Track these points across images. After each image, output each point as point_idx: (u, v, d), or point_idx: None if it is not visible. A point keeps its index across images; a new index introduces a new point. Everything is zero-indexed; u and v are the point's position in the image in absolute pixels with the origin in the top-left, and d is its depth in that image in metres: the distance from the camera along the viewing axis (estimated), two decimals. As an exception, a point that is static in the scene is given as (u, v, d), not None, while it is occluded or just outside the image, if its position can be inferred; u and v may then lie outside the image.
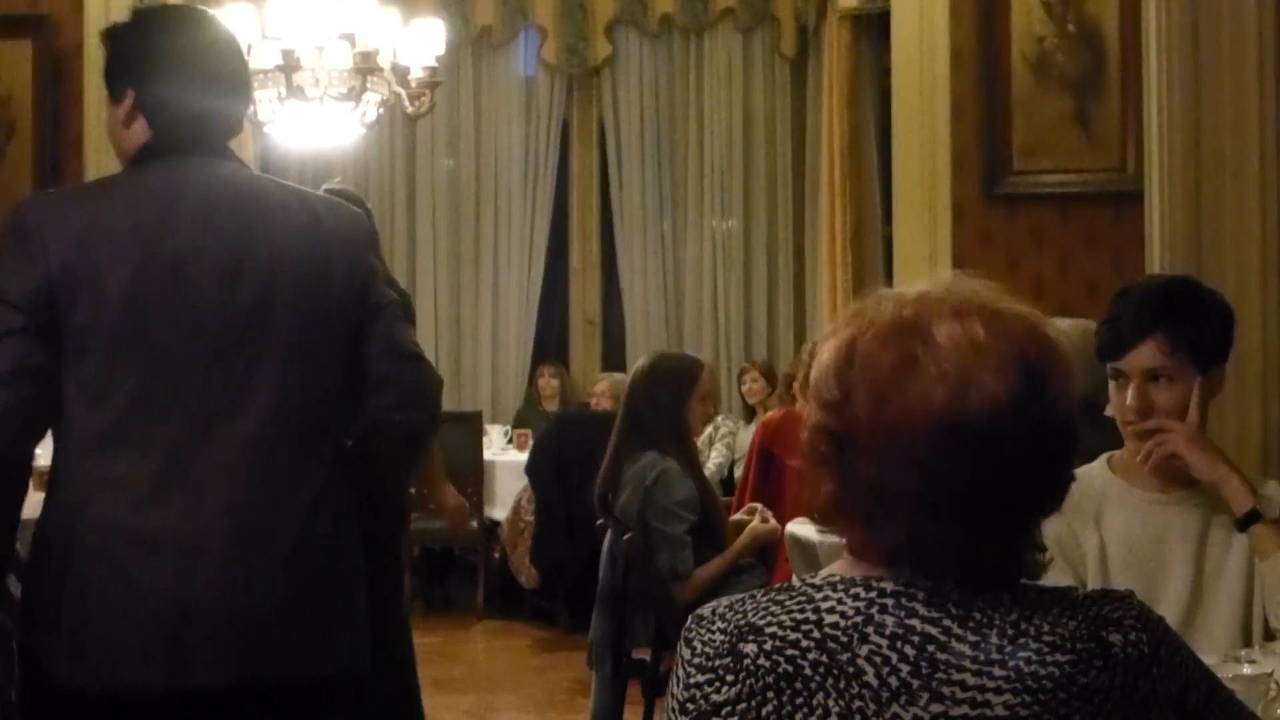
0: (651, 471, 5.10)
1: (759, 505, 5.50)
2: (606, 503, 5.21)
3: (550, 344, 10.45)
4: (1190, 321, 2.98)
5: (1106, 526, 3.01)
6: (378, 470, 3.07)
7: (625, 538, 5.00)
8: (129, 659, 2.73)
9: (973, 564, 1.60)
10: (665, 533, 5.06)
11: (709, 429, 8.65)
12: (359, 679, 2.95)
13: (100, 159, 9.36)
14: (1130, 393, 2.96)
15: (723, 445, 8.80)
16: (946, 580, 1.60)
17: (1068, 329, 4.30)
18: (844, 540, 1.69)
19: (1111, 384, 3.03)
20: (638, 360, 6.78)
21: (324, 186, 4.34)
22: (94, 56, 9.38)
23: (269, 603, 2.77)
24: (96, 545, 2.75)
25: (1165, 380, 2.95)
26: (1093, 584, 2.92)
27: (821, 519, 1.70)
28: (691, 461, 5.26)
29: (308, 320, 2.87)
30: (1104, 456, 3.11)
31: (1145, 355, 2.94)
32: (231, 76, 3.00)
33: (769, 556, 5.52)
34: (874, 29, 9.23)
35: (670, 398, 5.20)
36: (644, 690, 5.10)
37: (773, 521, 5.36)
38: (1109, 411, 3.09)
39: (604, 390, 8.88)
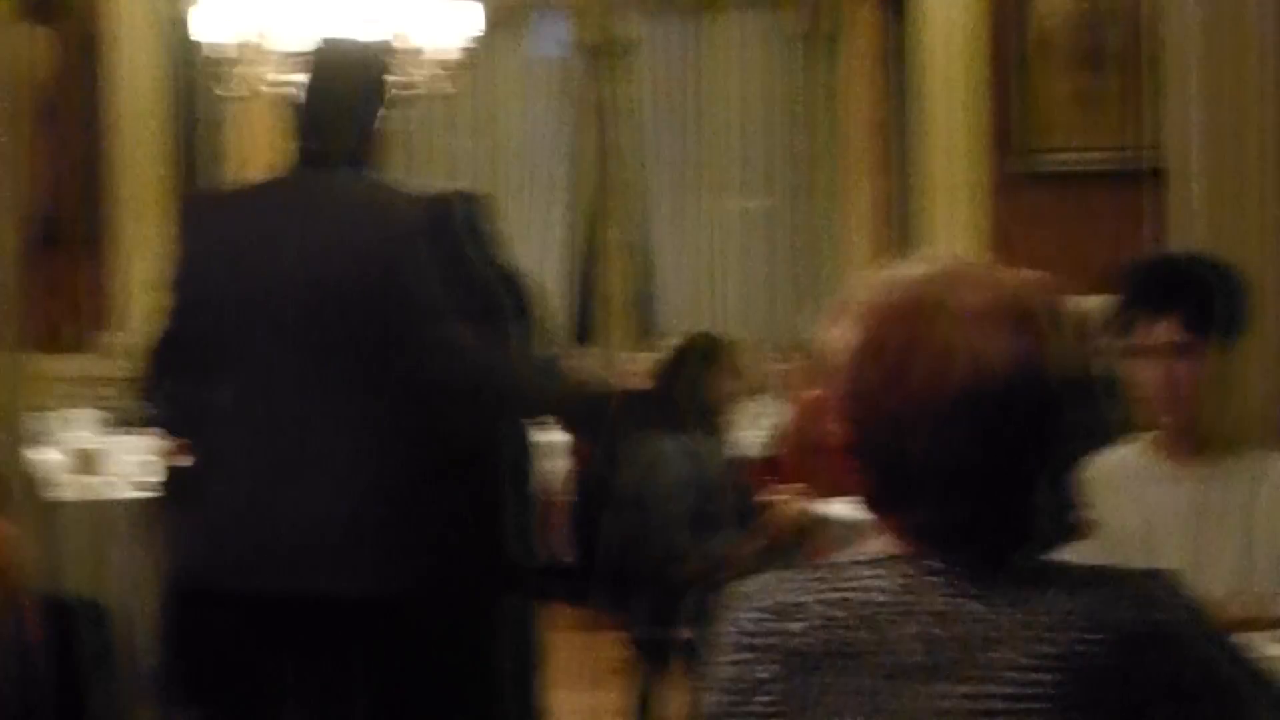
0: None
1: (798, 486, 5.50)
2: (643, 482, 5.22)
3: (583, 326, 10.42)
4: (1207, 296, 2.98)
5: (1147, 505, 3.01)
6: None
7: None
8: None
9: (1005, 532, 1.62)
10: (704, 513, 5.06)
11: (751, 408, 8.62)
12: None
13: (133, 144, 9.40)
14: (1148, 370, 2.95)
15: (760, 427, 8.77)
16: (988, 557, 1.61)
17: (1091, 305, 4.31)
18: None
19: (1131, 362, 3.02)
20: (670, 341, 6.80)
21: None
22: (126, 41, 9.41)
23: (332, 529, 3.27)
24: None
25: (1184, 356, 2.95)
26: (1136, 563, 2.92)
27: (866, 506, 1.70)
28: (706, 440, 5.23)
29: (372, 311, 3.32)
30: (1144, 435, 3.11)
31: (1163, 332, 2.94)
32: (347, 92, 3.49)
33: (808, 536, 5.52)
34: (901, 4, 9.19)
35: (696, 378, 5.20)
36: (685, 670, 5.11)
37: (810, 499, 5.36)
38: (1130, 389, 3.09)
39: (633, 371, 8.85)
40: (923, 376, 1.59)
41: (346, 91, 3.50)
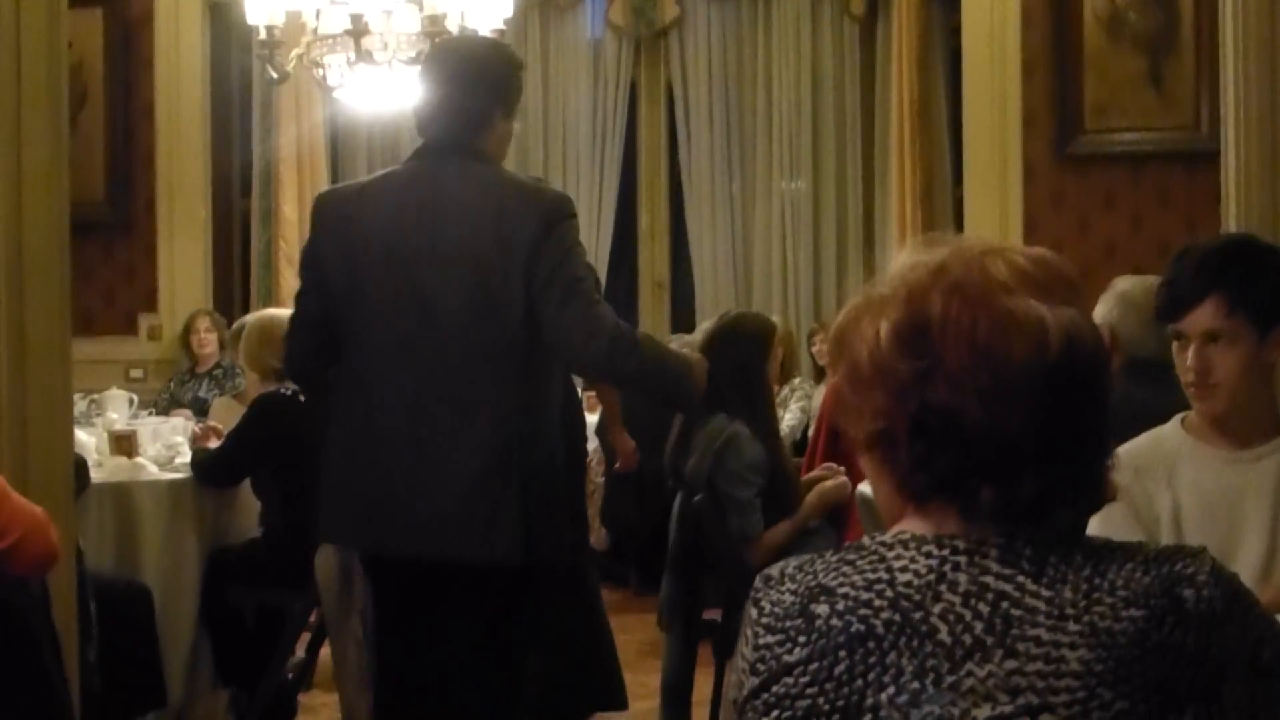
0: (720, 435, 5.09)
1: (833, 465, 5.49)
2: (677, 466, 5.21)
3: (619, 307, 10.41)
4: (1249, 282, 2.94)
5: (1180, 486, 3.00)
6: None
7: (695, 500, 4.99)
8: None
9: (1083, 499, 1.63)
10: (734, 496, 5.06)
11: (784, 390, 8.63)
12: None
13: (171, 127, 9.44)
14: (1190, 354, 2.93)
15: (797, 407, 8.77)
16: (1020, 536, 1.59)
17: (1131, 287, 4.28)
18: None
19: (1175, 345, 3.01)
20: (705, 323, 6.77)
21: None
22: (164, 24, 9.45)
23: (439, 501, 3.62)
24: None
25: (1224, 342, 2.92)
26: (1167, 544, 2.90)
27: (920, 496, 1.65)
28: (766, 424, 5.23)
29: (484, 292, 3.62)
30: (1177, 417, 3.09)
31: (1204, 316, 2.92)
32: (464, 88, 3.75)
33: (840, 517, 5.50)
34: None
35: (746, 359, 5.18)
36: (715, 651, 5.11)
37: (842, 478, 5.34)
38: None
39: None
40: (1020, 349, 1.58)
41: (459, 87, 3.75)
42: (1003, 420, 1.58)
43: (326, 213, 3.82)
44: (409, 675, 3.83)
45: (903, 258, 1.68)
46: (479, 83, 3.77)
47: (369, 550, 3.92)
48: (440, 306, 3.63)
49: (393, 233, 3.67)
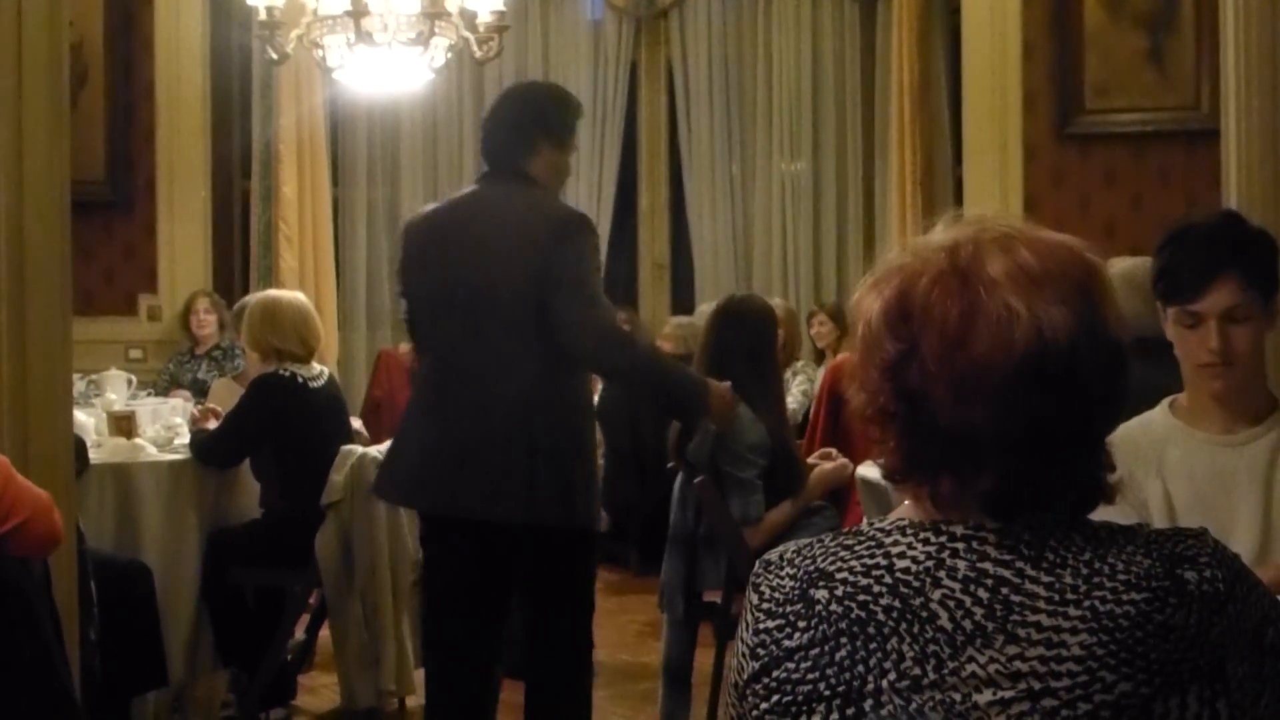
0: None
1: (832, 450, 5.49)
2: (679, 446, 5.21)
3: (619, 288, 10.43)
4: (1257, 256, 2.95)
5: (1170, 472, 2.99)
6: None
7: (697, 481, 4.99)
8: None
9: (1061, 497, 1.60)
10: (736, 477, 5.06)
11: (786, 373, 8.62)
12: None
13: (171, 106, 9.43)
14: (1211, 335, 2.91)
15: (799, 391, 8.76)
16: (1018, 521, 1.59)
17: (1130, 267, 4.26)
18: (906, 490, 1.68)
19: (1178, 330, 2.98)
20: (704, 304, 6.75)
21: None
22: (164, 4, 9.43)
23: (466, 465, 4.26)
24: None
25: (1240, 320, 2.92)
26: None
27: (896, 476, 1.67)
28: (772, 406, 5.23)
29: (510, 292, 4.26)
30: (1165, 401, 3.09)
31: (1224, 296, 2.91)
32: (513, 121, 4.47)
33: (841, 498, 5.50)
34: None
35: (755, 338, 5.18)
36: (715, 633, 5.11)
37: (842, 460, 5.34)
38: (1178, 354, 3.05)
39: (668, 334, 8.84)
40: (985, 342, 1.57)
41: (511, 122, 4.45)
42: (964, 412, 1.57)
43: (408, 232, 4.63)
44: (457, 631, 4.40)
45: (934, 232, 1.67)
46: (524, 115, 4.46)
47: (424, 509, 4.61)
48: (481, 303, 4.28)
49: (451, 243, 4.39)
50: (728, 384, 4.67)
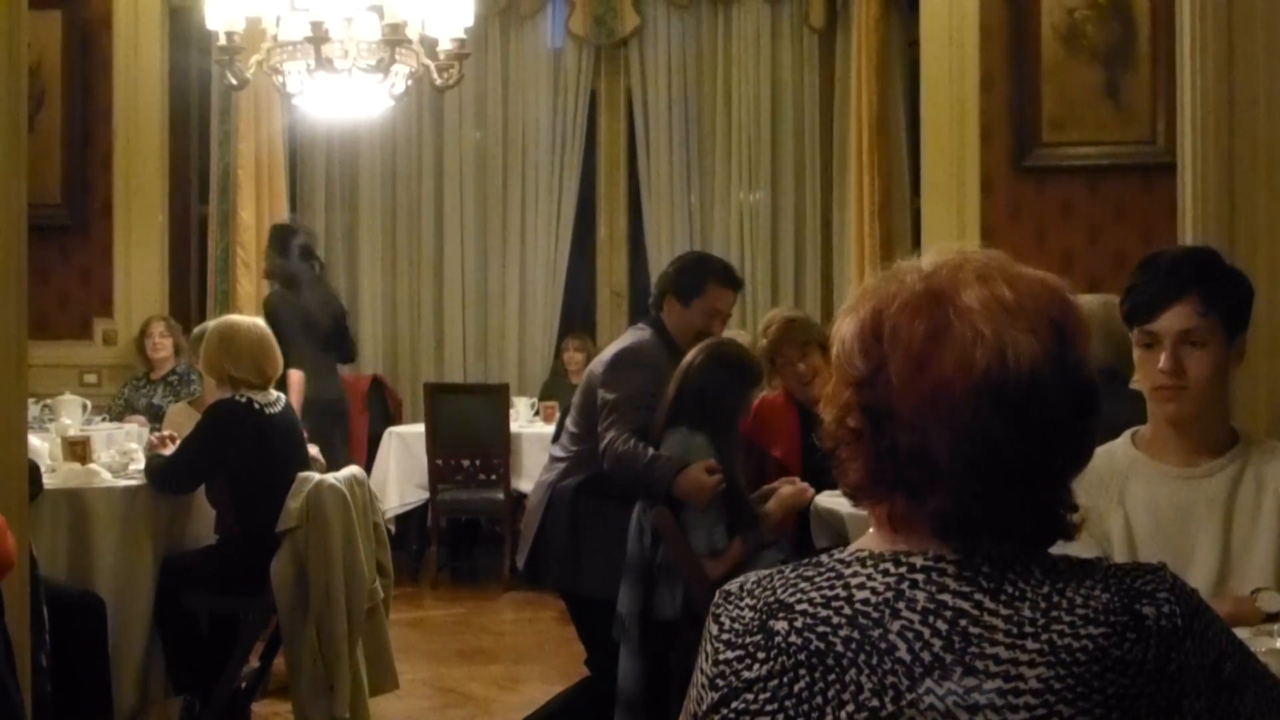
0: (679, 448, 5.10)
1: (795, 477, 5.50)
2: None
3: (577, 316, 10.44)
4: (1222, 285, 2.98)
5: (1131, 503, 3.01)
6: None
7: (653, 511, 4.99)
8: None
9: (1015, 526, 1.60)
10: (696, 510, 5.07)
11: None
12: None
13: (129, 130, 9.39)
14: (1164, 356, 2.94)
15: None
16: (977, 553, 1.59)
17: (1087, 302, 4.28)
18: (870, 515, 1.69)
19: (1139, 351, 3.02)
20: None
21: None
22: (123, 27, 9.40)
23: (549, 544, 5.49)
24: None
25: (1198, 344, 2.94)
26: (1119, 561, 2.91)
27: (855, 495, 1.68)
28: (727, 446, 5.24)
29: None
30: (1127, 433, 3.11)
31: (1179, 316, 2.94)
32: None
33: (798, 530, 5.51)
34: (903, 0, 9.20)
35: (732, 389, 5.20)
36: (671, 661, 5.10)
37: (803, 484, 5.36)
38: (1135, 382, 3.08)
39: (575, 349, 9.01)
40: (948, 362, 1.58)
41: (659, 279, 5.78)
42: (923, 431, 1.58)
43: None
44: None
45: (924, 257, 1.68)
46: (662, 276, 5.71)
47: None
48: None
49: None
50: (717, 478, 5.05)
